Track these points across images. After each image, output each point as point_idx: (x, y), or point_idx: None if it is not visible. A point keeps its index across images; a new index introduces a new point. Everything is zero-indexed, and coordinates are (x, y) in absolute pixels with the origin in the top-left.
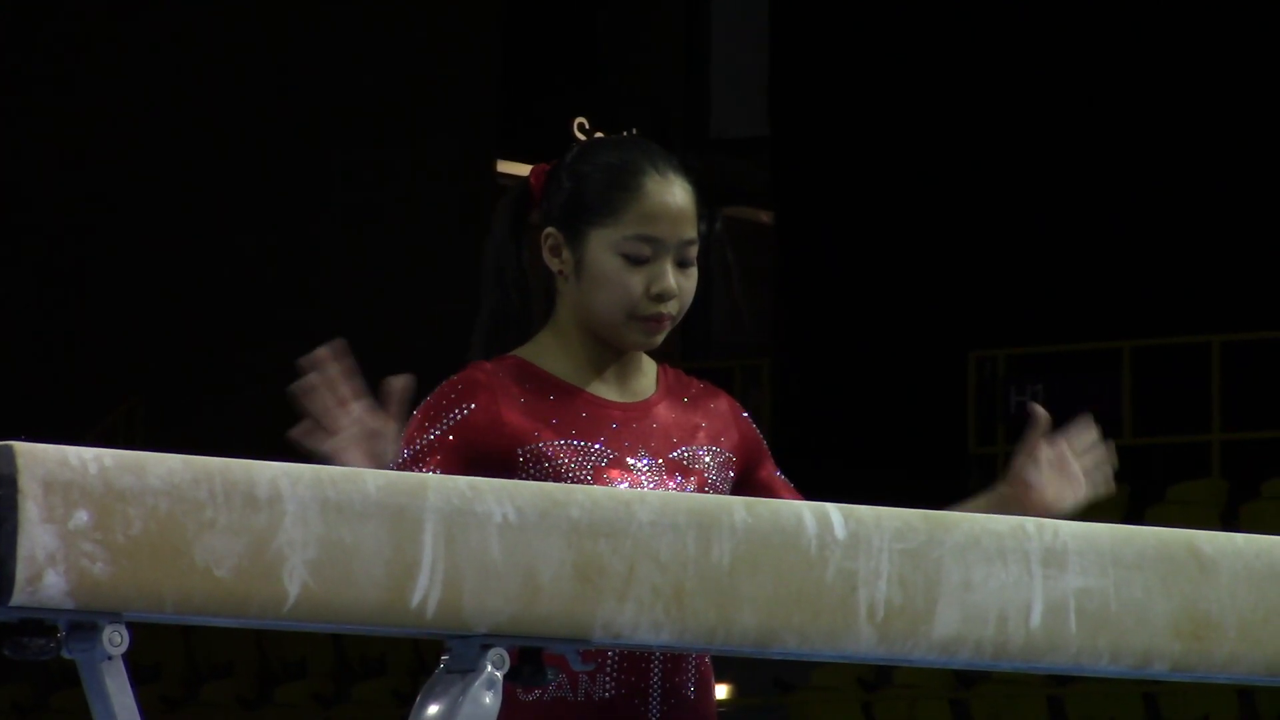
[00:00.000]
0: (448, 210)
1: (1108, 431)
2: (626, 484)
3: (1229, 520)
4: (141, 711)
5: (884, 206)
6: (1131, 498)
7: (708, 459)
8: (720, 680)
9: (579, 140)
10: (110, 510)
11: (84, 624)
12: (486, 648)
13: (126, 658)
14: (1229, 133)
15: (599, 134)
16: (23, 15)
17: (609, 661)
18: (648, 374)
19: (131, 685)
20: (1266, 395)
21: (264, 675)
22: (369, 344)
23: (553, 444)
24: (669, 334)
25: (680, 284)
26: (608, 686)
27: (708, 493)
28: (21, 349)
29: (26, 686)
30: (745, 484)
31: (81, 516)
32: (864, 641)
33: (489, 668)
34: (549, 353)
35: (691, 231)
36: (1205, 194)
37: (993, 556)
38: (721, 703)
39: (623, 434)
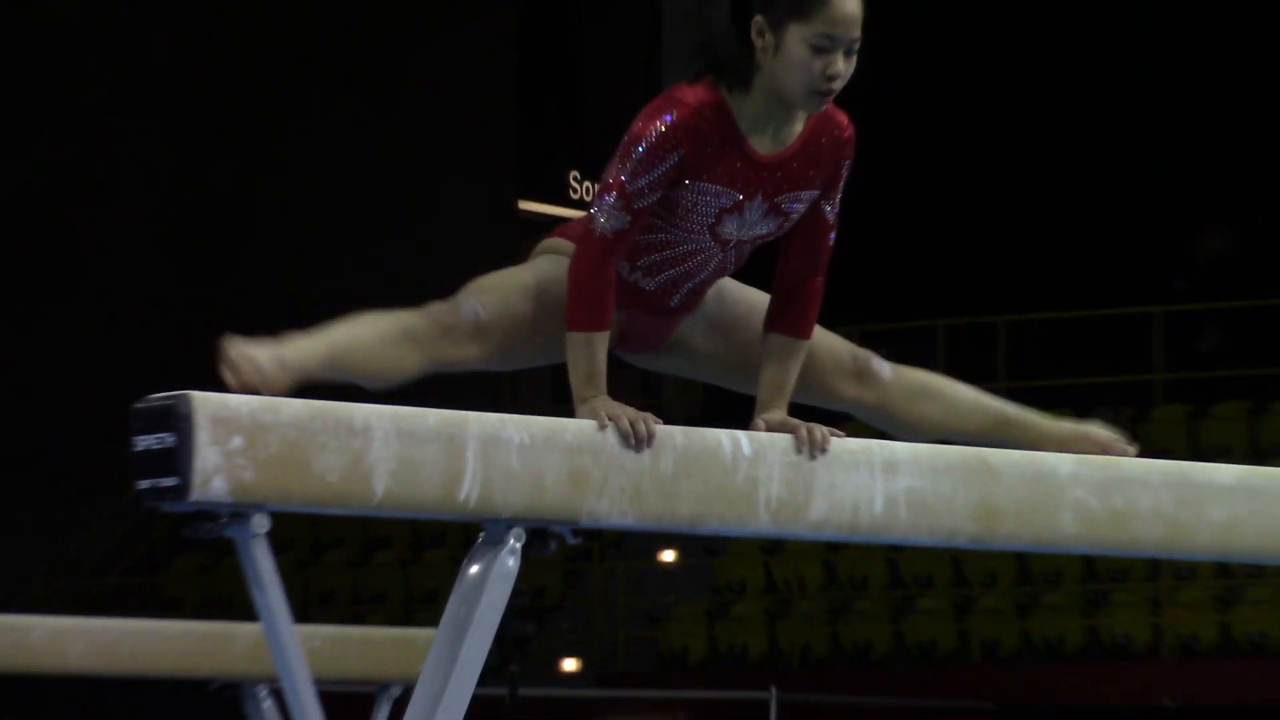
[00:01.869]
0: (475, 243)
1: None
2: (738, 221)
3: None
4: (278, 571)
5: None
6: None
7: (799, 205)
8: (667, 548)
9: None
10: (256, 437)
11: (239, 514)
12: (510, 528)
13: (268, 535)
14: (1017, 126)
15: (588, 182)
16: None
17: (655, 272)
18: (799, 123)
19: (271, 554)
20: (1039, 360)
21: (364, 546)
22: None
23: (705, 185)
24: None
25: (846, 69)
26: (649, 285)
27: (787, 225)
28: (195, 329)
29: (203, 554)
30: (813, 205)
31: (237, 441)
32: (762, 523)
33: (511, 541)
34: (739, 102)
35: (859, 32)
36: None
37: (849, 466)
38: (667, 564)
39: (754, 182)
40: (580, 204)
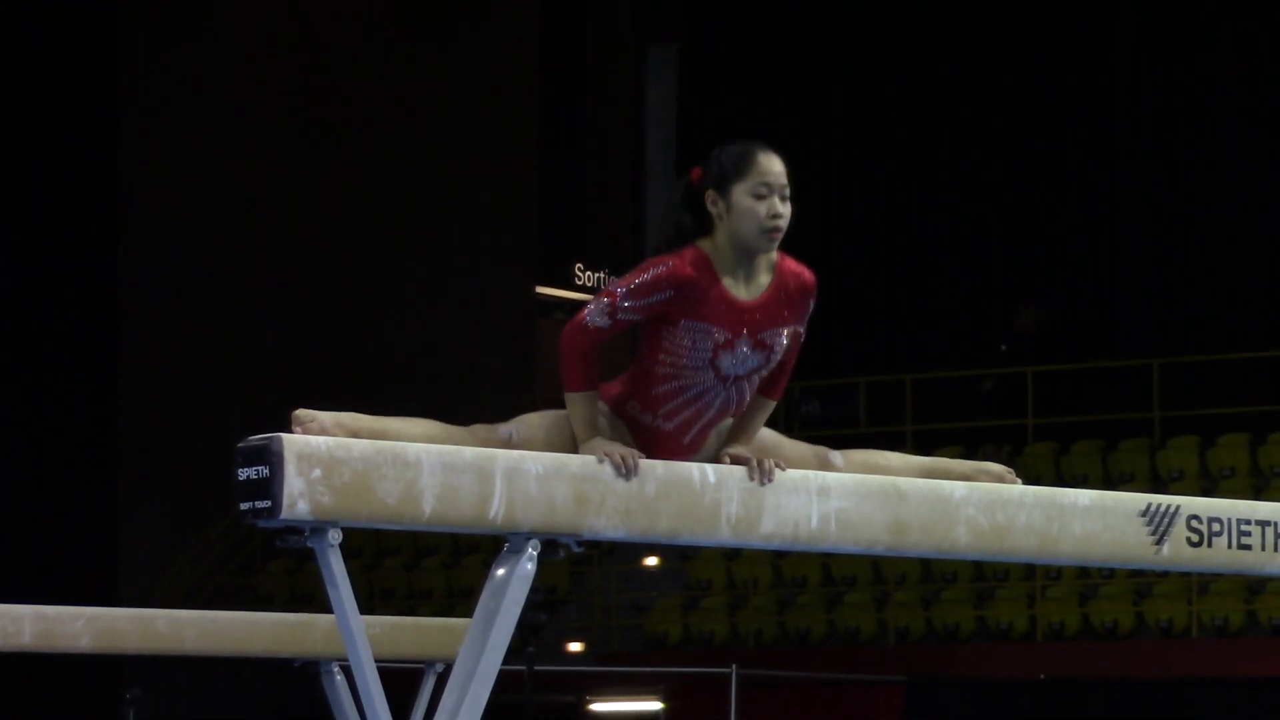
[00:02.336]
0: (503, 317)
1: (850, 426)
2: (732, 356)
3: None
4: (348, 574)
5: None
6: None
7: (780, 338)
8: (650, 555)
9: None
10: (332, 469)
11: (318, 529)
12: (529, 539)
13: (341, 546)
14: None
15: (589, 272)
16: None
17: (673, 416)
18: (768, 272)
19: (342, 560)
20: (939, 408)
21: (417, 553)
22: (447, 403)
23: (698, 325)
24: None
25: (785, 210)
26: (668, 426)
27: (773, 356)
28: (286, 383)
29: (290, 560)
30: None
31: (317, 472)
32: (724, 535)
33: (529, 550)
34: (714, 256)
35: (786, 181)
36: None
37: (791, 490)
38: (650, 566)
39: (739, 322)
40: (583, 288)
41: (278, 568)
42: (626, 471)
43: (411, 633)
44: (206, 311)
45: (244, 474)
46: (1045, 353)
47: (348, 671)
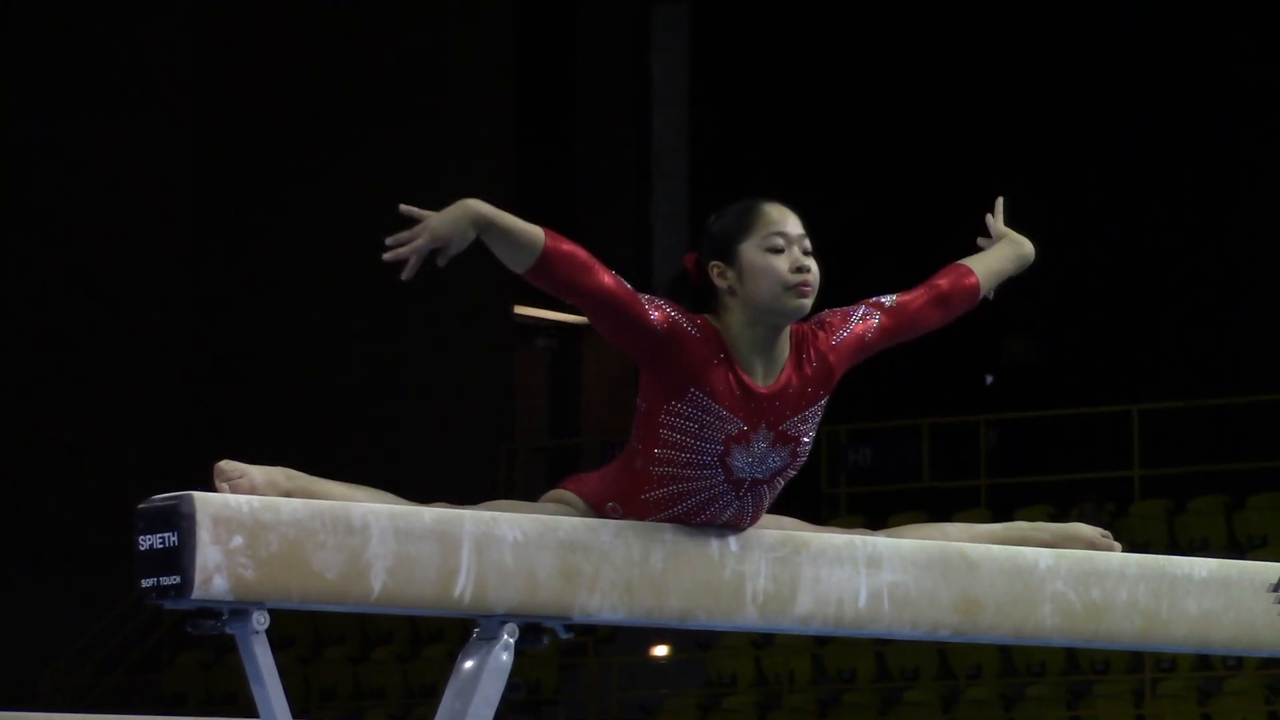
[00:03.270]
0: (476, 342)
1: (911, 479)
2: (747, 454)
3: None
4: (279, 668)
5: None
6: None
7: (808, 425)
8: (660, 642)
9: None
10: (257, 535)
11: (239, 611)
12: (504, 623)
13: (269, 632)
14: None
15: None
16: None
17: (662, 507)
18: (785, 347)
19: (271, 650)
20: (1020, 462)
21: (364, 641)
22: (405, 452)
23: (707, 402)
24: None
25: (811, 264)
26: (679, 514)
27: (801, 451)
28: (202, 429)
29: (206, 650)
30: None
31: (238, 540)
32: (750, 617)
33: (505, 637)
34: (729, 335)
35: (802, 230)
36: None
37: (833, 560)
38: (660, 658)
39: (756, 413)
40: (569, 308)
41: (190, 661)
42: None
43: None
44: (101, 342)
45: (146, 542)
46: (1153, 385)
47: None
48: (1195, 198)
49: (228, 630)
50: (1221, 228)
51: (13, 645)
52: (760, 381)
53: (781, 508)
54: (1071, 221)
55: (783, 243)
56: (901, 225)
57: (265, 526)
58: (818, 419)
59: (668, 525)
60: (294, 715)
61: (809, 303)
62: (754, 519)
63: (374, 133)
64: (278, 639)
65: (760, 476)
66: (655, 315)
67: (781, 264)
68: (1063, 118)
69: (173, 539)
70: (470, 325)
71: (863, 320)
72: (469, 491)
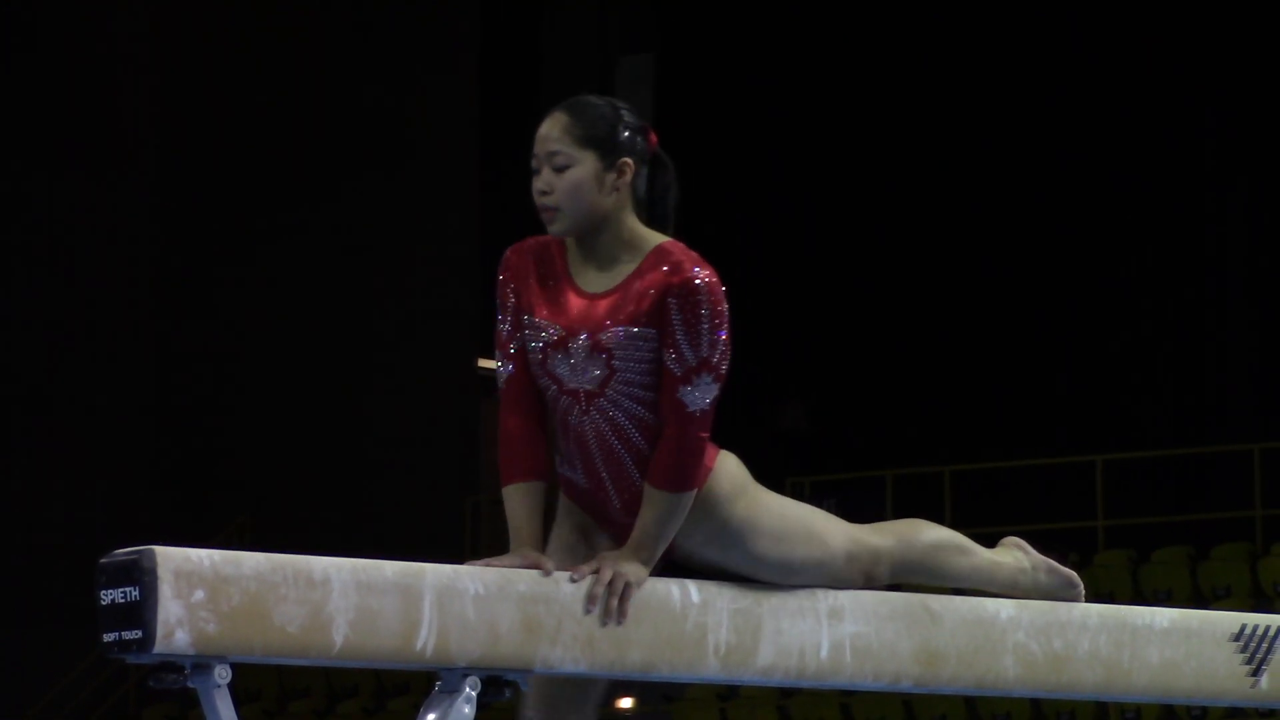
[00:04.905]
0: (440, 398)
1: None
2: (566, 359)
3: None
4: None
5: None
6: None
7: (620, 340)
8: (625, 694)
9: None
10: (218, 590)
11: (201, 664)
12: (465, 676)
13: (232, 686)
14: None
15: None
16: None
17: (570, 460)
18: (630, 261)
19: (235, 704)
20: (981, 508)
21: (330, 695)
22: (370, 504)
23: (533, 320)
24: None
25: (551, 182)
26: (581, 480)
27: (616, 366)
28: (167, 480)
29: (173, 705)
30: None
31: (199, 594)
32: (712, 669)
33: (467, 689)
34: (570, 241)
35: (555, 145)
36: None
37: (795, 612)
38: (625, 710)
39: (579, 319)
40: None
41: (157, 715)
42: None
43: None
44: (65, 395)
45: (108, 596)
46: (1116, 437)
47: None
48: (1158, 250)
49: (190, 684)
50: (1185, 279)
51: None
52: (593, 287)
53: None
54: (1036, 266)
55: (535, 165)
56: (863, 272)
57: (226, 580)
58: (642, 351)
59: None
60: None
61: (557, 227)
62: (629, 447)
63: (338, 185)
64: (244, 692)
65: (589, 387)
66: (507, 301)
67: (534, 188)
68: (1024, 160)
69: (134, 593)
70: (435, 378)
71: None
72: (434, 543)
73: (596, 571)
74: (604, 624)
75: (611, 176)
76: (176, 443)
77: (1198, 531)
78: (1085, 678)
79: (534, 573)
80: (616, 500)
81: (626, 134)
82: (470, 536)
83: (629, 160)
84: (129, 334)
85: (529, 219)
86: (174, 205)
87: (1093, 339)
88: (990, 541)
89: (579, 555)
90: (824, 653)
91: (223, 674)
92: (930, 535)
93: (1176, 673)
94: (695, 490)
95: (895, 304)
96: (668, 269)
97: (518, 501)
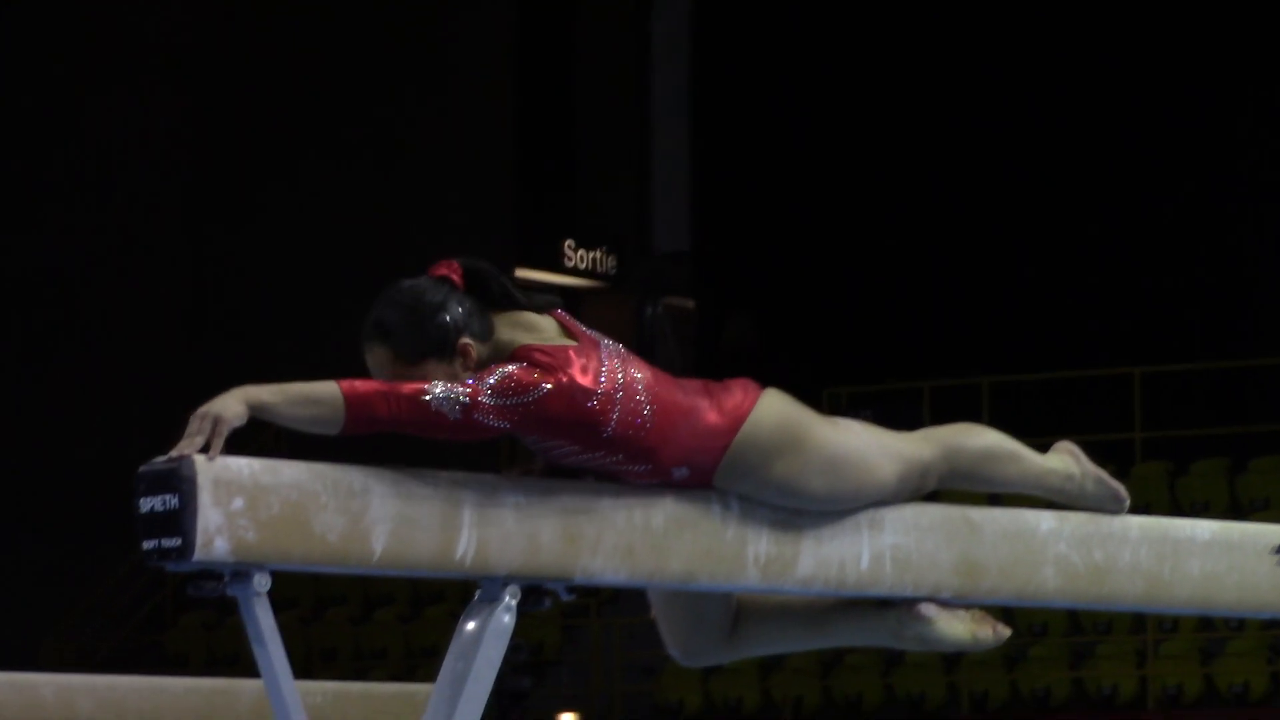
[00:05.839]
0: None
1: None
2: None
3: (992, 501)
4: (280, 628)
5: (768, 302)
6: None
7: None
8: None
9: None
10: (257, 498)
11: (240, 573)
12: (505, 585)
13: (270, 594)
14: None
15: (582, 251)
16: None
17: None
18: None
19: (273, 611)
20: (1020, 419)
21: (366, 603)
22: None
23: None
24: None
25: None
26: None
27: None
28: (202, 389)
29: (209, 612)
30: None
31: (238, 502)
32: (751, 579)
33: (507, 598)
34: None
35: (394, 376)
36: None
37: (834, 523)
38: None
39: None
40: (575, 271)
41: (192, 622)
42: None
43: (360, 702)
44: (101, 306)
45: (147, 505)
46: (1154, 349)
47: None
48: (1196, 163)
49: (229, 592)
50: (1224, 191)
51: (15, 609)
52: None
53: None
54: (1079, 178)
55: None
56: (902, 186)
57: (266, 489)
58: (540, 446)
59: (670, 489)
60: (295, 676)
61: None
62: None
63: (375, 100)
64: (279, 600)
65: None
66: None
67: None
68: (1037, 100)
69: (173, 502)
70: None
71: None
72: (470, 452)
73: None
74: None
75: (460, 361)
76: (212, 352)
77: (1235, 444)
78: (1126, 590)
79: (574, 482)
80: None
81: (444, 318)
82: (508, 445)
83: (464, 340)
84: (166, 246)
85: (572, 116)
86: (211, 119)
87: (1132, 251)
88: (1036, 451)
89: None
90: (864, 563)
91: (262, 582)
92: (980, 441)
93: (1218, 585)
94: (342, 419)
95: (936, 213)
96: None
97: None
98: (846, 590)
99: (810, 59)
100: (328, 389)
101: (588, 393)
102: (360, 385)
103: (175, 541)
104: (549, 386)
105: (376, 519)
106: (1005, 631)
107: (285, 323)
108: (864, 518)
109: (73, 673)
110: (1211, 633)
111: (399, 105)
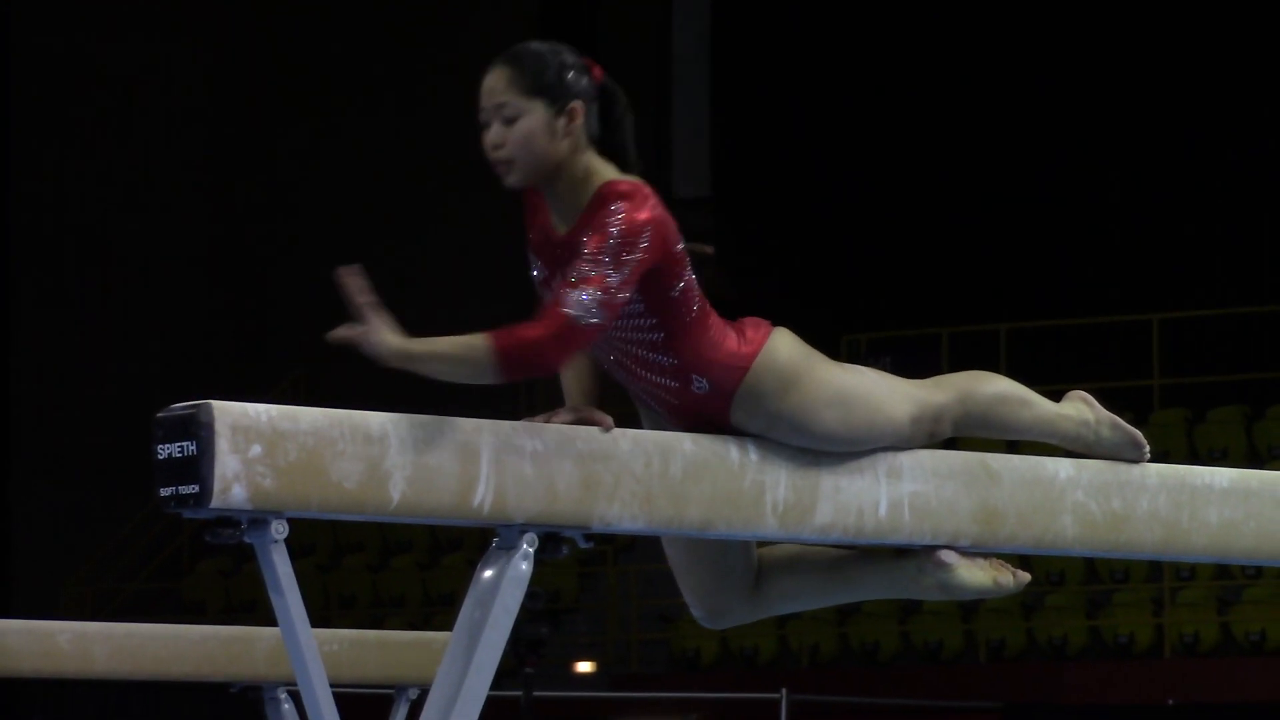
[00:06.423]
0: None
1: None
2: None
3: (1010, 447)
4: (298, 575)
5: (783, 253)
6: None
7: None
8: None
9: None
10: (275, 444)
11: (258, 520)
12: (523, 533)
13: (287, 541)
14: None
15: None
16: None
17: (617, 375)
18: (582, 203)
19: (291, 558)
20: (1037, 365)
21: (384, 550)
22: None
23: (530, 255)
24: None
25: (502, 135)
26: (624, 383)
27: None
28: (223, 336)
29: (226, 559)
30: None
31: (256, 449)
32: (770, 527)
33: (524, 546)
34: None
35: (501, 97)
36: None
37: (853, 471)
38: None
39: (553, 258)
40: None
41: (209, 569)
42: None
43: (377, 650)
44: (120, 253)
45: (165, 451)
46: (1172, 295)
47: (297, 699)
48: (1209, 111)
49: (246, 539)
50: (1238, 138)
51: (35, 554)
52: (560, 229)
53: None
54: (1094, 125)
55: (483, 117)
56: (920, 132)
57: (284, 435)
58: None
59: (688, 435)
60: (313, 623)
61: (513, 180)
62: (638, 374)
63: (396, 47)
64: (297, 547)
65: None
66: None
67: (484, 142)
68: (1056, 45)
69: (191, 448)
70: (490, 238)
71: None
72: (489, 398)
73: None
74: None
75: (562, 122)
76: (232, 298)
77: (1254, 391)
78: (1144, 537)
79: (592, 429)
80: (658, 407)
81: (571, 75)
82: (526, 392)
83: (577, 103)
84: (186, 189)
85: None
86: (231, 62)
87: (1150, 198)
88: (1050, 399)
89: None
90: (882, 510)
91: (279, 529)
92: (992, 387)
93: (1236, 533)
94: (500, 369)
95: (954, 160)
96: (600, 206)
97: (569, 366)
98: (865, 538)
99: (831, 4)
100: (476, 346)
101: (676, 235)
102: (507, 338)
103: (193, 488)
104: (649, 221)
105: (394, 466)
106: (1025, 577)
107: (305, 267)
108: (882, 465)
109: (91, 620)
110: (1229, 580)
111: (421, 49)
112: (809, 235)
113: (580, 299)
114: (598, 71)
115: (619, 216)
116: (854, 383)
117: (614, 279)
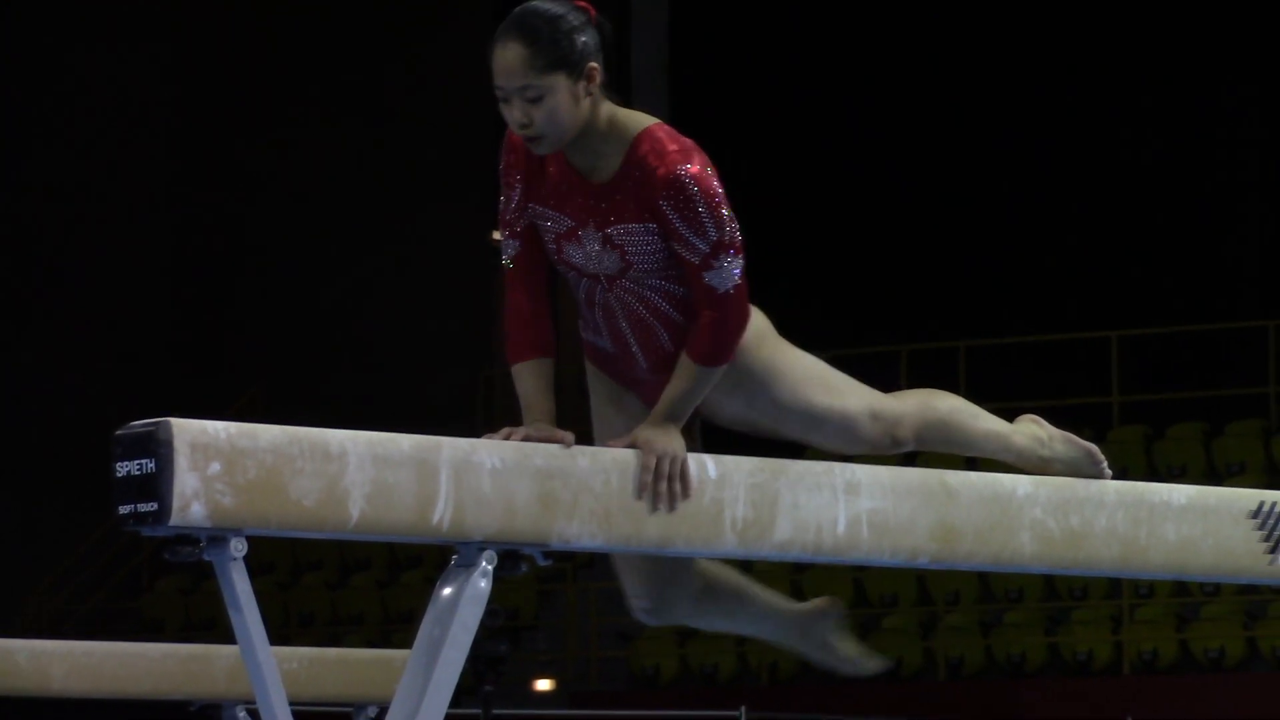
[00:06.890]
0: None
1: None
2: (581, 251)
3: (969, 465)
4: (257, 593)
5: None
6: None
7: (633, 239)
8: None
9: None
10: (234, 462)
11: (217, 538)
12: (482, 550)
13: (246, 559)
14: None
15: None
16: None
17: (596, 330)
18: (617, 149)
19: (250, 576)
20: (996, 383)
21: (343, 568)
22: (384, 375)
23: (538, 209)
24: None
25: (528, 113)
26: (607, 345)
27: (631, 259)
28: (181, 352)
29: (185, 577)
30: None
31: (215, 466)
32: (729, 544)
33: (483, 563)
34: None
35: (521, 80)
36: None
37: (812, 487)
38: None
39: (583, 209)
40: None
41: (168, 587)
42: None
43: (336, 668)
44: (80, 268)
45: (123, 469)
46: (1131, 313)
47: (256, 717)
48: (1172, 125)
49: (205, 557)
50: (1200, 154)
51: None
52: (590, 176)
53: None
54: (1052, 140)
55: (500, 93)
56: (877, 150)
57: (243, 453)
58: (653, 242)
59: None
60: (272, 641)
61: (545, 149)
62: (658, 315)
63: (356, 60)
64: (256, 565)
65: (609, 273)
66: (514, 180)
67: (508, 118)
68: (1016, 66)
69: (150, 465)
70: (446, 249)
71: (690, 227)
72: (447, 416)
73: (634, 445)
74: (672, 509)
75: (583, 85)
76: (190, 315)
77: (1212, 408)
78: (1102, 554)
79: (551, 447)
80: (644, 361)
81: (582, 39)
82: (484, 409)
83: (594, 64)
84: (146, 204)
85: None
86: (195, 76)
87: (1108, 214)
88: (1006, 417)
89: (615, 427)
90: (841, 528)
91: (238, 547)
92: (948, 402)
93: (1194, 550)
94: (727, 363)
95: (911, 178)
96: (655, 164)
97: (528, 378)
98: (824, 554)
99: (792, 27)
100: (690, 372)
101: (716, 171)
102: (708, 346)
103: (151, 505)
104: (706, 163)
105: (353, 483)
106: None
107: (267, 283)
108: (840, 481)
109: (48, 638)
110: (1187, 598)
111: (385, 66)
112: (764, 253)
113: (724, 268)
114: (593, 14)
115: (690, 173)
116: (817, 365)
117: (730, 229)
